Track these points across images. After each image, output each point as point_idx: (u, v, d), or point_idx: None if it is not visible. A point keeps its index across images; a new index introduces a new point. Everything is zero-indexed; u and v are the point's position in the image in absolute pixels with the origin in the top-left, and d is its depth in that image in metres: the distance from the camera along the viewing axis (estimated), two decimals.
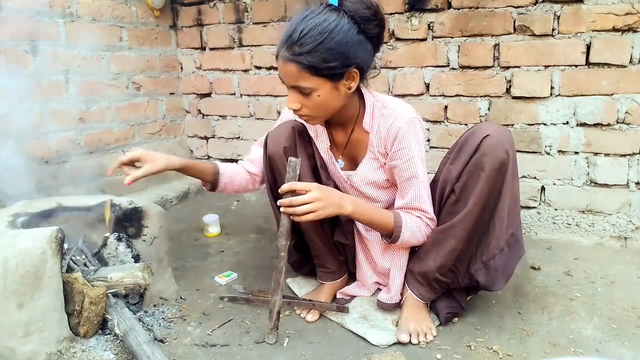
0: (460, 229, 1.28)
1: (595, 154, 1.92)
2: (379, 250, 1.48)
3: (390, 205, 1.46)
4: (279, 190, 1.27)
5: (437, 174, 1.41)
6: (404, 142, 1.31)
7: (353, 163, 1.46)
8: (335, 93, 1.26)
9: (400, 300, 1.44)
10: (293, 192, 1.25)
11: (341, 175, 1.47)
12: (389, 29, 2.15)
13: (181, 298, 1.59)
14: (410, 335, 1.32)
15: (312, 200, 1.23)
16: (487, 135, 1.23)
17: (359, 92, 1.37)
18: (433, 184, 1.40)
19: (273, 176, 1.43)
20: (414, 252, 1.44)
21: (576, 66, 1.87)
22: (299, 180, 1.29)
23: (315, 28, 1.18)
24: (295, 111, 1.29)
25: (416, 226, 1.34)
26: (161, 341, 1.34)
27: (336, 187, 1.47)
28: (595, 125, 1.89)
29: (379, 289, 1.53)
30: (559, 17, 1.86)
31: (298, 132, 1.43)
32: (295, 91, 1.25)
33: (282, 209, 1.26)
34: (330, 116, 1.35)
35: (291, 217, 1.26)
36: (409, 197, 1.34)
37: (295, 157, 1.31)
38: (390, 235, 1.35)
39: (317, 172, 1.45)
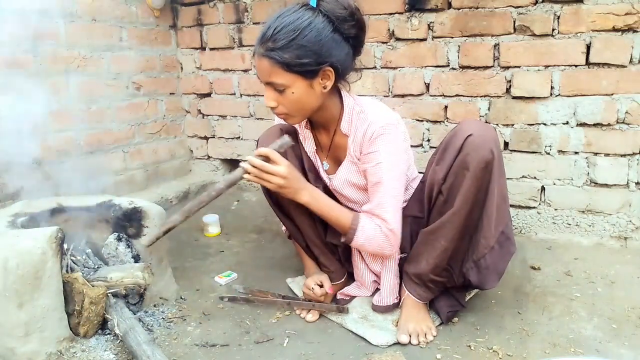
0: (449, 229, 1.28)
1: (595, 154, 1.92)
2: (368, 253, 1.48)
3: None
4: (255, 152, 1.28)
5: (424, 175, 1.40)
6: (374, 146, 1.30)
7: (337, 165, 1.46)
8: (311, 91, 1.26)
9: (396, 301, 1.45)
10: (267, 159, 1.28)
11: (324, 178, 1.48)
12: (389, 29, 2.15)
13: (181, 298, 1.60)
14: (410, 336, 1.32)
15: (278, 175, 1.26)
16: (470, 135, 1.22)
17: (339, 95, 1.38)
18: (421, 185, 1.40)
19: None
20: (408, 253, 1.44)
21: (576, 66, 1.87)
22: None
23: (289, 25, 1.20)
24: (272, 109, 1.30)
25: (373, 234, 1.33)
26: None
27: (325, 189, 1.48)
28: (595, 125, 1.89)
29: (378, 288, 1.53)
30: (559, 17, 1.86)
31: (286, 133, 1.44)
32: (271, 88, 1.27)
33: (245, 165, 1.27)
34: (309, 116, 1.36)
35: (246, 176, 1.27)
36: (373, 203, 1.34)
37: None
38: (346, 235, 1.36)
39: (306, 174, 1.46)
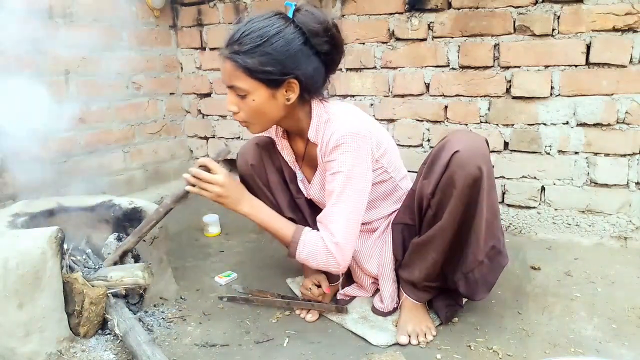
0: (438, 243, 1.27)
1: (595, 154, 1.92)
2: (364, 257, 1.47)
3: None
4: (196, 162, 1.30)
5: (414, 183, 1.37)
6: (333, 155, 1.26)
7: (314, 174, 1.44)
8: (272, 101, 1.24)
9: (396, 306, 1.45)
10: (207, 169, 1.30)
11: (301, 187, 1.47)
12: (389, 29, 2.15)
13: (181, 298, 1.60)
14: (410, 337, 1.32)
15: (215, 183, 1.27)
16: (457, 151, 1.17)
17: (310, 105, 1.34)
18: (412, 192, 1.38)
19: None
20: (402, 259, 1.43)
21: (576, 66, 1.87)
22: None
23: (257, 31, 1.19)
24: (233, 115, 1.29)
25: (316, 248, 1.27)
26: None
27: (306, 200, 1.48)
28: (595, 125, 1.89)
29: (378, 289, 1.52)
30: (559, 17, 1.86)
31: (263, 147, 1.44)
32: (233, 92, 1.25)
33: (185, 175, 1.29)
34: (272, 126, 1.36)
35: (188, 188, 1.29)
36: (324, 212, 1.30)
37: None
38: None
39: (287, 186, 1.46)
